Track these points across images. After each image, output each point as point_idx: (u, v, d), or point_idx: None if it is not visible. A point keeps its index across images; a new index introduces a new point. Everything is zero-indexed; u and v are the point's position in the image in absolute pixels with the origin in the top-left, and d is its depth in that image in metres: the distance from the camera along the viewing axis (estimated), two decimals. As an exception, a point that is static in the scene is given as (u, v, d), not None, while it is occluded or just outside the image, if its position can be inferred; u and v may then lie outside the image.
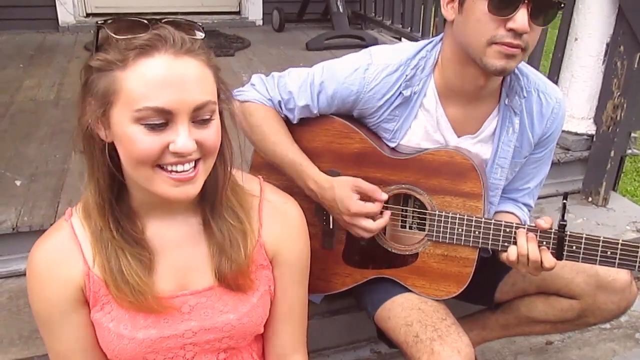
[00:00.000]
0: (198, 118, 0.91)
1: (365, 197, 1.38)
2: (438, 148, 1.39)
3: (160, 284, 1.04)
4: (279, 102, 1.43)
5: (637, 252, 1.24)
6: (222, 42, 4.20)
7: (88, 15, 4.54)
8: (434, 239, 1.39)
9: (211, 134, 0.94)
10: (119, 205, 1.00)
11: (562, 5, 1.25)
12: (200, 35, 0.95)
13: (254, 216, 1.11)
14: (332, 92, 1.40)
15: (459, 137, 1.44)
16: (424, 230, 1.43)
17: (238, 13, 4.94)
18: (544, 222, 1.30)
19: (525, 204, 1.61)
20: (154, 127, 0.89)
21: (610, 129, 2.45)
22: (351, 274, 1.50)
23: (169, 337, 1.04)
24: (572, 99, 2.52)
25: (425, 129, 1.42)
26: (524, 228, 1.31)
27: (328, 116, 1.45)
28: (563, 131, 2.53)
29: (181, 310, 1.05)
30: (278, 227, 1.13)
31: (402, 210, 1.47)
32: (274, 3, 4.74)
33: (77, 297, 1.03)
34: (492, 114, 1.44)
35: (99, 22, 0.91)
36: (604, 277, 1.46)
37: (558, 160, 2.47)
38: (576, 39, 2.45)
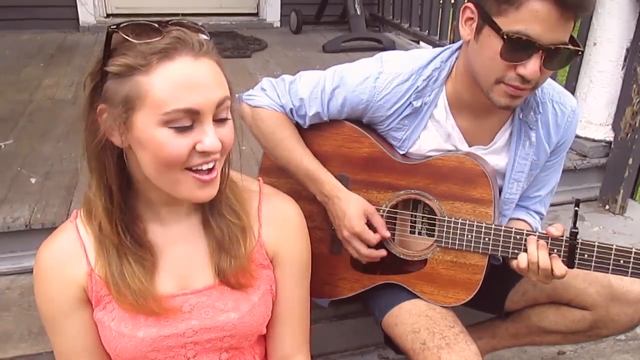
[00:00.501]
0: (217, 117, 0.93)
1: (370, 225, 1.39)
2: (448, 153, 1.38)
3: (161, 284, 1.05)
4: (291, 109, 1.43)
5: (652, 261, 1.21)
6: (239, 44, 4.22)
7: (108, 15, 4.59)
8: (443, 245, 1.37)
9: (229, 132, 0.96)
10: (127, 208, 1.01)
11: (580, 52, 1.21)
12: (205, 37, 0.96)
13: (254, 216, 1.12)
14: (343, 99, 1.39)
15: (470, 147, 1.42)
16: (433, 236, 1.41)
17: (256, 14, 4.95)
18: (555, 230, 1.27)
19: (537, 212, 1.58)
20: (182, 130, 0.90)
21: (628, 135, 2.40)
22: (359, 280, 1.49)
23: (170, 336, 1.05)
24: (590, 104, 2.48)
25: (435, 139, 1.41)
26: (535, 235, 1.29)
27: (338, 120, 1.44)
28: (580, 137, 2.51)
29: (182, 309, 1.06)
30: (278, 227, 1.13)
31: (412, 216, 1.45)
32: (292, 5, 4.75)
33: (80, 297, 1.04)
34: (505, 126, 1.41)
35: (112, 27, 0.91)
36: (617, 288, 1.42)
37: (574, 167, 2.44)
38: (595, 44, 2.41)
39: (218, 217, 1.07)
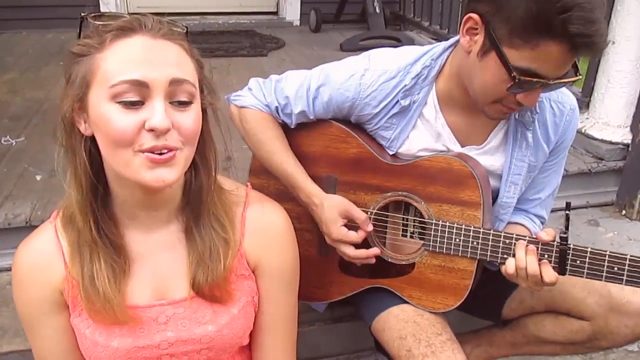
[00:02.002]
0: (175, 98, 0.89)
1: (352, 223, 1.35)
2: (436, 154, 1.33)
3: (136, 292, 1.02)
4: (276, 107, 1.40)
5: (648, 270, 1.14)
6: (257, 42, 4.22)
7: (130, 14, 4.64)
8: (430, 248, 1.33)
9: (189, 118, 0.90)
10: (103, 208, 0.98)
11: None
12: (177, 29, 0.94)
13: (237, 225, 1.07)
14: (328, 98, 1.35)
15: (462, 147, 1.37)
16: (424, 239, 1.36)
17: (276, 13, 4.95)
18: (546, 234, 1.21)
19: (537, 215, 1.52)
20: (129, 105, 0.86)
21: (647, 138, 2.30)
22: (347, 283, 1.45)
23: (144, 347, 1.02)
24: (607, 105, 2.38)
25: (425, 139, 1.36)
26: (524, 240, 1.23)
27: (326, 120, 1.41)
28: (597, 139, 2.42)
29: (157, 320, 1.03)
30: (261, 236, 1.08)
31: (400, 218, 1.41)
32: (312, 3, 4.72)
33: (58, 300, 1.03)
34: (499, 124, 1.36)
35: (83, 14, 0.91)
36: (617, 299, 1.36)
37: (589, 169, 2.34)
38: (613, 42, 2.31)
39: (203, 228, 1.02)
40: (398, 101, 1.33)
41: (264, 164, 1.44)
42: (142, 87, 0.86)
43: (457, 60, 1.28)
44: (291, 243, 1.14)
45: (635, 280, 1.15)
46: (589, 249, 1.18)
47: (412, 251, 1.37)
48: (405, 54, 1.35)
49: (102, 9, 4.49)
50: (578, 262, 1.19)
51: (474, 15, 1.16)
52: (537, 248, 1.22)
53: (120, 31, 0.88)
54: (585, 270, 1.19)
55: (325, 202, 1.35)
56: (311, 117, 1.40)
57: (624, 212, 2.36)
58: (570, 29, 1.04)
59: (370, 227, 1.36)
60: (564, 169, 2.23)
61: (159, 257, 1.04)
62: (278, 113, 1.41)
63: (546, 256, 1.22)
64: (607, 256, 1.16)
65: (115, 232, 1.00)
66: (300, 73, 1.41)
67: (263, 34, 4.49)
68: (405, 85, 1.32)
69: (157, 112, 0.86)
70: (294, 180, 1.38)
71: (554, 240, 1.21)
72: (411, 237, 1.41)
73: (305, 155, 1.42)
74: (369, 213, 1.38)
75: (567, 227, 1.20)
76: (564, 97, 1.37)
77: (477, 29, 1.17)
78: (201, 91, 0.96)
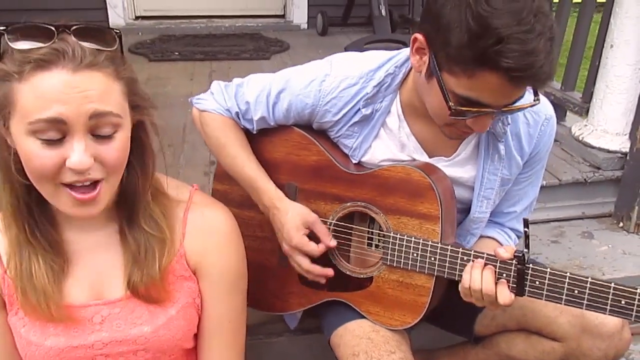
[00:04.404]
0: (97, 132, 0.88)
1: (314, 235, 1.30)
2: (396, 164, 1.27)
3: (73, 292, 1.03)
4: (237, 113, 1.36)
5: (609, 293, 1.06)
6: (260, 46, 4.19)
7: (137, 18, 4.65)
8: (388, 262, 1.27)
9: (113, 150, 0.90)
10: (39, 208, 0.98)
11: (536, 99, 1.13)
12: (112, 44, 0.91)
13: (178, 226, 1.07)
14: (287, 104, 1.31)
15: (430, 157, 1.30)
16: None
17: (283, 16, 4.91)
18: (505, 252, 1.14)
19: (512, 229, 1.45)
20: (50, 143, 0.86)
21: (646, 147, 2.19)
22: (306, 295, 1.40)
23: (78, 347, 1.02)
24: (605, 111, 2.29)
25: (389, 149, 1.31)
26: (482, 257, 1.16)
27: (288, 126, 1.37)
28: (594, 147, 2.32)
29: (92, 320, 1.03)
30: (202, 237, 1.08)
31: (358, 229, 1.35)
32: (319, 7, 4.67)
33: None
34: (469, 136, 1.28)
35: (2, 28, 0.88)
36: (590, 320, 1.28)
37: (585, 179, 2.24)
38: (612, 46, 2.22)
39: (136, 229, 1.03)
40: (359, 109, 1.28)
41: (225, 168, 1.40)
42: (60, 124, 0.85)
43: (415, 76, 1.22)
44: (234, 244, 1.12)
45: (595, 305, 1.07)
46: (549, 270, 1.11)
47: (371, 265, 1.32)
48: (369, 59, 1.30)
49: (110, 12, 4.51)
50: (537, 282, 1.12)
51: (419, 36, 1.11)
52: (495, 267, 1.15)
53: (39, 64, 0.84)
54: (545, 292, 1.11)
55: (290, 207, 1.30)
56: (271, 124, 1.35)
57: (621, 224, 2.26)
58: (503, 63, 0.97)
59: (333, 243, 1.30)
60: (557, 178, 2.21)
61: (96, 256, 1.05)
62: (239, 118, 1.37)
63: (504, 275, 1.15)
64: (567, 278, 1.09)
65: (52, 232, 1.01)
66: (262, 77, 1.37)
67: (268, 37, 4.45)
68: (367, 94, 1.26)
69: (76, 152, 0.86)
70: (256, 185, 1.33)
71: (512, 259, 1.14)
72: (376, 247, 1.35)
73: (267, 161, 1.38)
74: (328, 223, 1.33)
75: (527, 246, 1.13)
76: (540, 106, 1.29)
77: (424, 51, 1.12)
78: (133, 107, 0.95)
